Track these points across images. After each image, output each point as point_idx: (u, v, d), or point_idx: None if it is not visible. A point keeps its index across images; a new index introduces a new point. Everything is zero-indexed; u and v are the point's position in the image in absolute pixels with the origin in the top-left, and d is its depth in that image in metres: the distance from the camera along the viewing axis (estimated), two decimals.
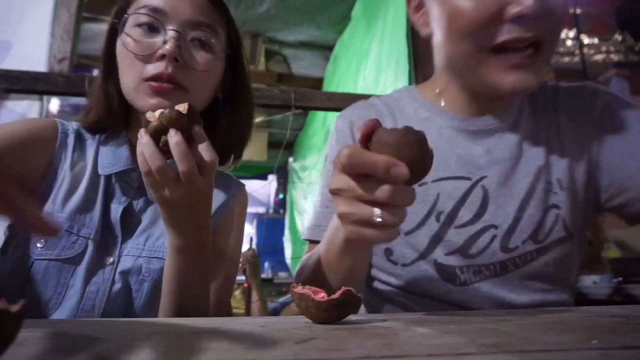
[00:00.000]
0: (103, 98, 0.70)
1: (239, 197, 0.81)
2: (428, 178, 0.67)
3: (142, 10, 0.65)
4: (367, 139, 0.43)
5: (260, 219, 6.27)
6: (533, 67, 0.60)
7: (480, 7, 0.58)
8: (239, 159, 0.82)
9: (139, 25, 0.65)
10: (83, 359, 0.28)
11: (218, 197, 0.78)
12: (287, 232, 5.43)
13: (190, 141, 0.54)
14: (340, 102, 1.62)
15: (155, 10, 0.65)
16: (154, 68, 0.63)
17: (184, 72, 0.65)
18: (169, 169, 0.53)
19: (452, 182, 0.68)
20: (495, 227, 0.67)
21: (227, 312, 0.95)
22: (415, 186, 0.63)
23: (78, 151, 0.72)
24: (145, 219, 0.71)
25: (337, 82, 3.49)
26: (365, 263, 0.64)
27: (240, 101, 0.78)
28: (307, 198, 4.55)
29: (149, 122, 0.53)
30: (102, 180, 0.70)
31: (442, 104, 0.73)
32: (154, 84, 0.63)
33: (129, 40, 0.64)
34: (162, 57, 0.63)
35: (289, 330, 0.38)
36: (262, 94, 1.59)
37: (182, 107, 0.53)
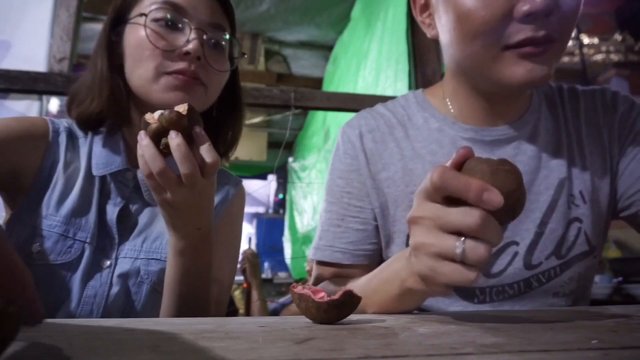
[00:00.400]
0: (109, 90, 0.68)
1: (237, 195, 0.81)
2: None
3: (163, 5, 0.65)
4: (459, 166, 0.40)
5: (260, 218, 6.26)
6: (545, 56, 0.56)
7: (489, 7, 0.55)
8: (230, 157, 0.82)
9: (157, 20, 0.64)
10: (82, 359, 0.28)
11: (216, 195, 0.77)
12: (286, 232, 5.43)
13: (190, 142, 0.53)
14: (339, 102, 1.62)
15: (175, 7, 0.65)
16: (175, 65, 0.64)
17: (204, 71, 0.66)
18: (171, 172, 0.52)
19: None
20: (517, 243, 0.64)
21: (233, 311, 0.95)
22: None
23: (71, 151, 0.70)
24: (142, 220, 0.70)
25: (337, 82, 3.49)
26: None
27: (236, 102, 0.79)
28: (306, 198, 4.54)
29: (148, 123, 0.53)
30: (96, 181, 0.69)
31: (452, 111, 0.70)
32: (179, 76, 0.64)
33: (152, 33, 0.64)
34: (185, 54, 0.64)
35: (289, 330, 0.38)
36: (262, 94, 1.59)
37: (182, 108, 0.53)
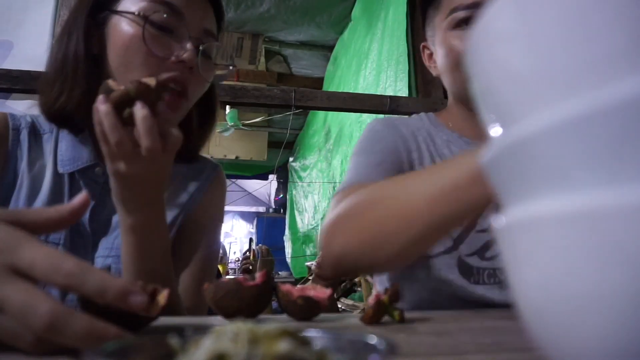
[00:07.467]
0: (85, 83, 0.61)
1: (215, 180, 0.78)
2: None
3: (159, 8, 0.61)
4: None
5: (261, 218, 6.27)
6: None
7: (465, 41, 0.67)
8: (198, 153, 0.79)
9: (154, 23, 0.60)
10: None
11: (193, 182, 0.74)
12: (287, 231, 5.44)
13: (154, 116, 0.50)
14: (340, 101, 1.62)
15: (172, 8, 0.61)
16: (166, 75, 0.60)
17: (193, 80, 0.63)
18: (129, 143, 0.49)
19: None
20: None
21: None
22: None
23: (34, 149, 0.66)
24: (115, 217, 0.66)
25: (338, 82, 3.49)
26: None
27: (209, 101, 0.75)
28: (307, 197, 4.55)
29: (110, 90, 0.49)
30: (65, 179, 0.65)
31: (455, 131, 0.81)
32: (169, 97, 0.60)
33: (149, 37, 0.60)
34: (179, 62, 0.61)
35: None
36: (262, 93, 1.59)
37: (151, 81, 0.51)
